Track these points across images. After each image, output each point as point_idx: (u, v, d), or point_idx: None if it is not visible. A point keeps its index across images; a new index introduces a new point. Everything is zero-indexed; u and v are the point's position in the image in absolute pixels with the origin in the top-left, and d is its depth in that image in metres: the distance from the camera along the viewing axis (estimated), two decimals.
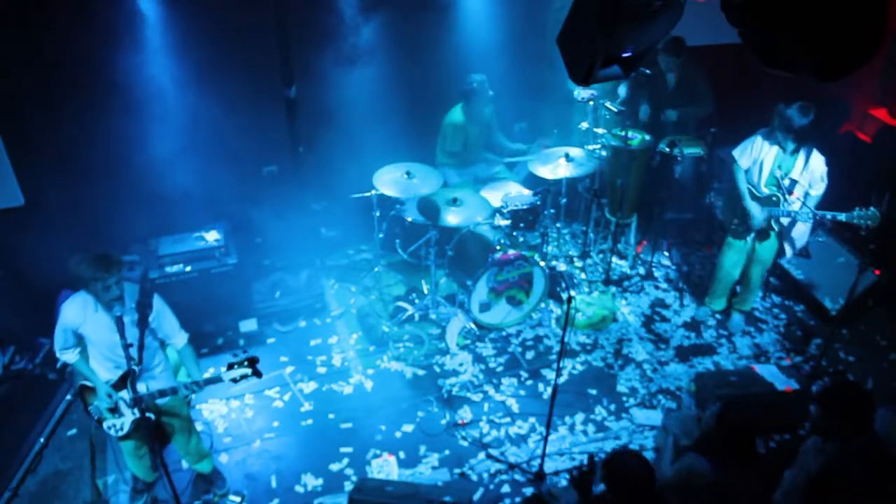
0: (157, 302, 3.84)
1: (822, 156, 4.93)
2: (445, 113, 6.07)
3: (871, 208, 4.69)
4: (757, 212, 5.11)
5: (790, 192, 4.98)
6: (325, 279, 6.32)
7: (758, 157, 5.08)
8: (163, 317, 3.88)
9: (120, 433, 3.94)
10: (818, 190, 4.98)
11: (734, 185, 5.25)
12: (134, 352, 3.74)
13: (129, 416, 3.89)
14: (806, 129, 4.74)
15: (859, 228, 4.77)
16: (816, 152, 4.94)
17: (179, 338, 4.00)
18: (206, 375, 3.89)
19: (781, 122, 4.81)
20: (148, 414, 3.85)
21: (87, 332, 3.71)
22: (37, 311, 5.09)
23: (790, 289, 6.18)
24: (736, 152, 5.22)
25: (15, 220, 5.09)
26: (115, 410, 3.87)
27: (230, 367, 3.78)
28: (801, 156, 4.94)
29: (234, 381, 3.78)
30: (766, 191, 5.11)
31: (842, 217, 4.78)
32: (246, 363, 3.78)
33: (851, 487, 3.16)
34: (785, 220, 5.15)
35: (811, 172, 4.94)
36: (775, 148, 4.99)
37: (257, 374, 3.82)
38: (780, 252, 5.44)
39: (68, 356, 3.82)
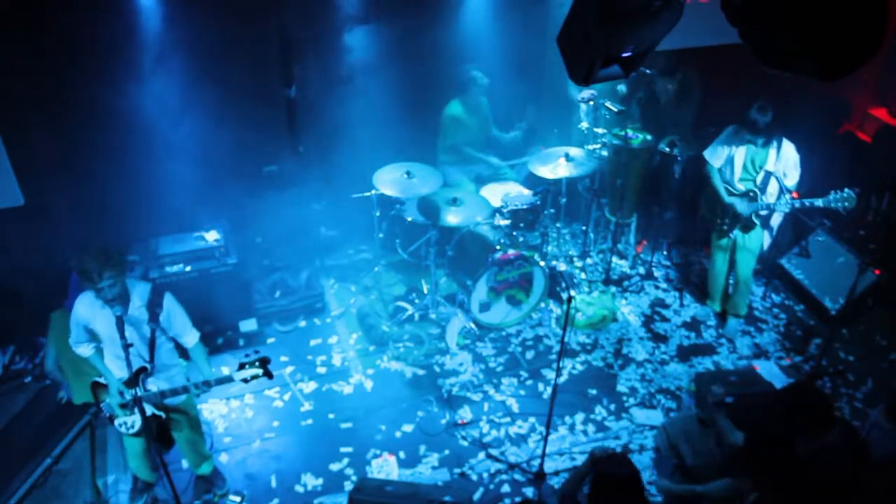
0: (169, 301, 3.83)
1: (792, 143, 5.02)
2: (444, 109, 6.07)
3: (847, 190, 4.73)
4: (742, 206, 5.16)
5: (789, 192, 5.00)
6: (325, 279, 6.32)
7: (729, 154, 5.16)
8: (173, 315, 3.87)
9: (131, 431, 3.94)
10: (793, 178, 5.05)
11: (711, 185, 5.31)
12: (145, 351, 3.75)
13: (139, 415, 3.88)
14: (770, 125, 4.85)
15: (839, 212, 4.82)
16: (786, 141, 5.02)
17: (190, 336, 3.98)
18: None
19: (748, 127, 4.90)
20: (158, 412, 3.85)
21: (97, 328, 3.71)
22: (37, 312, 5.09)
23: (790, 289, 6.18)
24: (707, 153, 5.30)
25: (15, 220, 5.08)
26: (126, 407, 3.87)
27: (241, 366, 3.77)
28: (773, 147, 5.01)
29: (245, 381, 3.77)
30: (741, 187, 5.17)
31: (819, 202, 4.84)
32: (258, 363, 3.76)
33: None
34: (764, 212, 5.23)
35: (784, 162, 5.02)
36: (745, 144, 5.07)
37: (268, 374, 3.79)
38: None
39: (82, 350, 3.84)
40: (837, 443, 3.26)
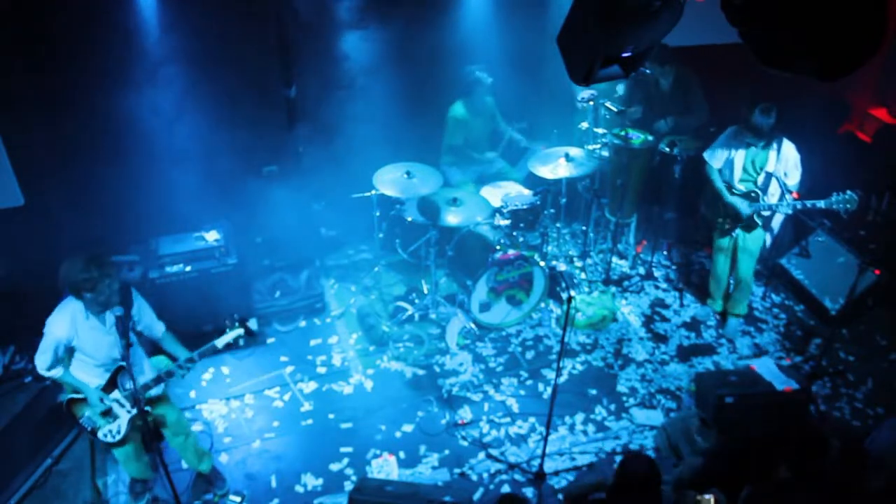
0: (136, 295, 3.89)
1: (792, 143, 5.02)
2: (446, 108, 6.07)
3: (849, 192, 4.74)
4: (743, 205, 5.16)
5: (789, 192, 5.00)
6: (325, 279, 6.32)
7: (729, 156, 5.17)
8: (143, 309, 3.92)
9: (117, 437, 3.90)
10: (794, 178, 5.05)
11: (711, 185, 5.32)
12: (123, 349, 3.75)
13: (124, 417, 3.88)
14: (774, 127, 4.87)
15: (840, 214, 4.83)
16: (786, 141, 5.02)
17: (158, 327, 4.05)
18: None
19: (752, 130, 4.91)
20: (146, 407, 3.84)
21: (79, 343, 3.68)
22: (37, 311, 5.08)
23: (790, 289, 6.18)
24: (707, 154, 5.32)
25: (15, 220, 5.09)
26: (107, 414, 3.86)
27: (220, 333, 3.90)
28: (773, 148, 5.01)
29: (228, 345, 3.86)
30: (741, 188, 5.17)
31: (821, 204, 4.85)
32: (236, 324, 3.87)
33: None
34: (766, 213, 5.23)
35: (785, 162, 5.02)
36: (745, 147, 5.08)
37: (250, 333, 3.90)
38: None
39: (54, 372, 3.75)
40: (836, 461, 3.25)
